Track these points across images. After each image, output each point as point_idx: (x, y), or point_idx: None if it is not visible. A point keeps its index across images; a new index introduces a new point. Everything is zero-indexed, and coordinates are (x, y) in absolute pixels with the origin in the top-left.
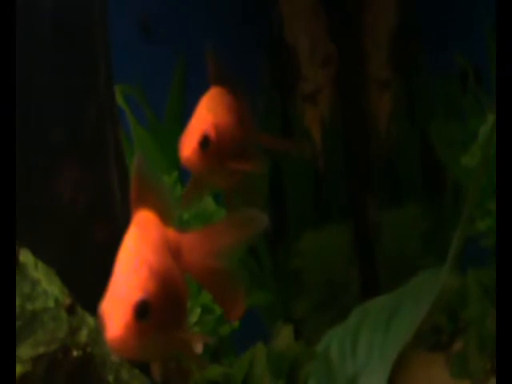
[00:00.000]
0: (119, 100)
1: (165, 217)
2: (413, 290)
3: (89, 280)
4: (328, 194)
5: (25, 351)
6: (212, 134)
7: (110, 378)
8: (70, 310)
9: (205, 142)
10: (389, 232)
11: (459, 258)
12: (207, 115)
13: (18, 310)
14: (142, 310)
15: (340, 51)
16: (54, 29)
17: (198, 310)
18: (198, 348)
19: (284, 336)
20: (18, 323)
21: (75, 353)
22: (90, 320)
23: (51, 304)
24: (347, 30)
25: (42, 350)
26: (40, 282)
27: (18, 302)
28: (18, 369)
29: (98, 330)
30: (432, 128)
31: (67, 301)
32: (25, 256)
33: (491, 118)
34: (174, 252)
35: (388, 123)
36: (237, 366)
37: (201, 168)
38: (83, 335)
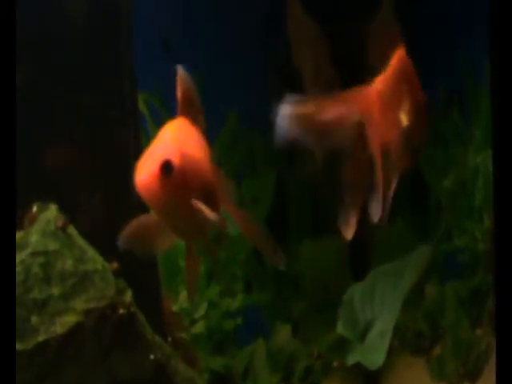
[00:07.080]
0: (141, 106)
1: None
2: (412, 259)
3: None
4: (326, 206)
5: (79, 304)
6: (176, 160)
7: (149, 336)
8: (117, 273)
9: (167, 168)
10: (381, 242)
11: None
12: (172, 141)
13: (72, 269)
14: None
15: (341, 77)
16: (84, 38)
17: (205, 305)
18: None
19: (282, 334)
20: (72, 280)
21: (121, 310)
22: None
23: (99, 267)
24: (348, 57)
25: (93, 304)
26: (87, 249)
27: (71, 262)
28: (73, 318)
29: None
30: None
31: (114, 265)
32: (71, 229)
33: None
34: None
35: None
36: (238, 359)
37: (159, 200)
38: (128, 296)
